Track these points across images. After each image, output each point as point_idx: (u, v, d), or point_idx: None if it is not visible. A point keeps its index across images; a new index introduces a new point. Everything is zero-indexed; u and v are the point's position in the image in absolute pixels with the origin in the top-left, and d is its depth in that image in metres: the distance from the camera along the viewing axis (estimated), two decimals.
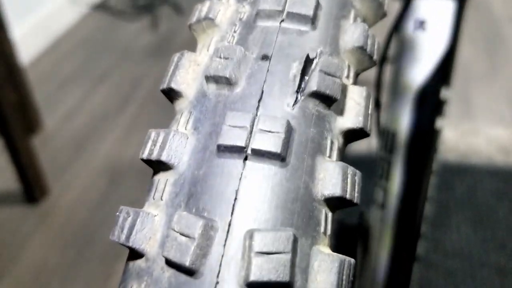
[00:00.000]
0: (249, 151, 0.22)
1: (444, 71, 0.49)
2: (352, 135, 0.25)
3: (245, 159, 0.22)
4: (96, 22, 2.05)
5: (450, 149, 1.35)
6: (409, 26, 0.49)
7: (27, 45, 1.71)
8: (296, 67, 0.24)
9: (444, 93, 0.50)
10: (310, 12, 0.26)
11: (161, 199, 0.23)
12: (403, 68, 0.50)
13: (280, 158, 0.22)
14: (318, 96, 0.24)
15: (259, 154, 0.22)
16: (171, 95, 0.26)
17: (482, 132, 1.41)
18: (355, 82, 0.27)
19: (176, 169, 0.23)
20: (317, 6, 0.27)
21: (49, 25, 1.87)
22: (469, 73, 1.63)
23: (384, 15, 0.30)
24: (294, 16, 0.26)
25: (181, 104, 0.26)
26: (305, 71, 0.24)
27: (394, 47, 0.52)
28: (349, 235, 0.66)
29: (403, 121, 0.51)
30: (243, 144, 0.22)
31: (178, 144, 0.23)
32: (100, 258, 1.11)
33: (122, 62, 1.78)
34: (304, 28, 0.26)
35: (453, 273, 1.06)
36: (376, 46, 0.27)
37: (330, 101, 0.24)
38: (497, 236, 1.12)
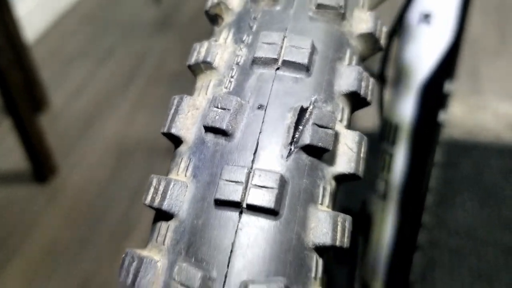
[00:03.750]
0: (244, 205, 0.24)
1: (448, 65, 0.49)
2: (344, 178, 0.27)
3: (241, 212, 0.24)
4: None
5: (457, 125, 1.34)
6: (414, 18, 0.48)
7: (31, 23, 1.70)
8: (290, 118, 0.25)
9: (448, 86, 0.50)
10: (305, 60, 0.27)
11: (163, 244, 0.25)
12: (407, 61, 0.49)
13: (273, 212, 0.23)
14: (311, 148, 0.25)
15: (254, 208, 0.23)
16: (171, 139, 0.27)
17: (490, 108, 1.39)
18: (349, 123, 0.28)
19: (177, 216, 0.25)
20: (313, 52, 0.27)
21: (53, 1, 1.86)
22: (477, 46, 1.60)
23: (380, 49, 0.31)
24: (289, 64, 0.27)
25: (181, 148, 0.27)
26: (299, 122, 0.25)
27: (398, 39, 0.51)
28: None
29: (406, 113, 0.50)
30: (238, 199, 0.23)
31: (178, 193, 0.25)
32: (109, 236, 1.13)
33: (126, 38, 1.76)
34: (299, 75, 0.27)
35: (457, 251, 1.06)
36: (370, 87, 0.28)
37: (322, 151, 0.25)
38: (502, 215, 1.12)
